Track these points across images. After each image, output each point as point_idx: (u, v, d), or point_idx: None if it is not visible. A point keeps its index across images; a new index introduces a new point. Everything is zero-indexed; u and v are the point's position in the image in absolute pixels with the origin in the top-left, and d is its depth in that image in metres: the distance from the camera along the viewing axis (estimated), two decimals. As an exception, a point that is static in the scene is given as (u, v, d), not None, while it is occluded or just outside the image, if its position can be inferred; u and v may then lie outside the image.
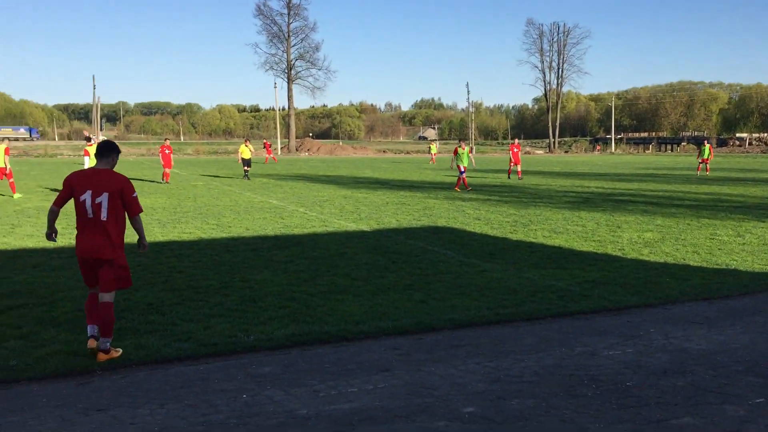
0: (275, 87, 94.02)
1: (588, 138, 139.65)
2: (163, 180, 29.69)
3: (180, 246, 12.38)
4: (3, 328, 6.93)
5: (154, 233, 13.97)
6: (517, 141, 34.90)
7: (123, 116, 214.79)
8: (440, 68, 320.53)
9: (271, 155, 57.51)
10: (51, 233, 6.37)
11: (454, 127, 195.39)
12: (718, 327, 7.12)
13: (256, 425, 4.64)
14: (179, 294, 8.54)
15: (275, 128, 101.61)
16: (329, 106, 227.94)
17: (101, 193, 6.07)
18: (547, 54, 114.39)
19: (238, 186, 28.20)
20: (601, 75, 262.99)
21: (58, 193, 6.29)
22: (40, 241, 12.73)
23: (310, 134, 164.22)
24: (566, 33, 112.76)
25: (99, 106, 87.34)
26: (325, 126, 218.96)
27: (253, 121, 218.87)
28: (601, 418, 4.75)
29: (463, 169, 25.78)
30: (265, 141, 65.84)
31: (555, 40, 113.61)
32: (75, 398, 5.15)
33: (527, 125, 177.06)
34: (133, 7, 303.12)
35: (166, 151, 29.62)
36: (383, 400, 5.11)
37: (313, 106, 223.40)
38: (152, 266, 10.38)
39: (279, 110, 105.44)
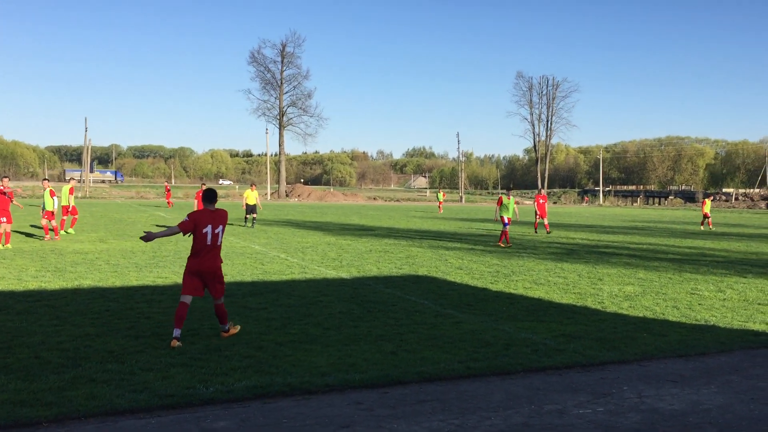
0: (267, 133, 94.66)
1: (577, 189, 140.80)
2: None
3: (153, 291, 12.15)
4: (-48, 375, 6.66)
5: (129, 277, 13.74)
6: (543, 191, 32.15)
7: (115, 159, 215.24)
8: (432, 117, 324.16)
9: (169, 200, 52.70)
10: (150, 237, 8.16)
11: (444, 176, 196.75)
12: (693, 386, 6.93)
13: (200, 485, 4.39)
14: (143, 341, 8.29)
15: (266, 173, 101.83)
16: (321, 153, 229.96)
17: (218, 225, 8.49)
18: (537, 106, 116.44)
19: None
20: (590, 128, 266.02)
21: (183, 221, 8.31)
22: (9, 284, 12.47)
23: (302, 180, 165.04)
24: (555, 86, 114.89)
25: (90, 148, 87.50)
26: (316, 172, 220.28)
27: (245, 166, 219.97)
28: (563, 482, 4.53)
29: (507, 221, 23.14)
30: (166, 183, 60.42)
31: (544, 92, 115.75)
32: (14, 452, 4.89)
33: (517, 176, 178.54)
34: (128, 51, 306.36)
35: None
36: (338, 459, 4.87)
37: (305, 153, 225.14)
38: (120, 312, 10.13)
39: (270, 156, 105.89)
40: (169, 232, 8.32)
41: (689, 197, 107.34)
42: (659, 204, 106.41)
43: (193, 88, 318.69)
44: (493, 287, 13.53)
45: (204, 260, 8.39)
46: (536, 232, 30.55)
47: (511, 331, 9.37)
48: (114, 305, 10.63)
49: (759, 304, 12.04)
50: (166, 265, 15.95)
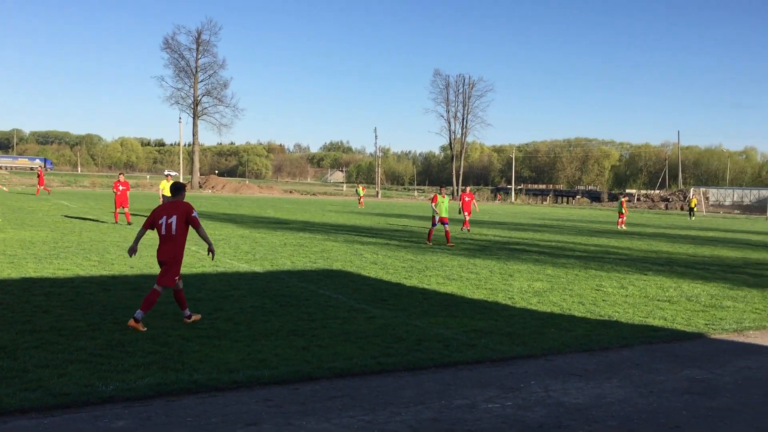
0: (180, 122, 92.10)
1: (490, 187, 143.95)
2: (115, 221, 26.03)
3: (52, 283, 11.54)
4: None
5: (27, 269, 13.02)
6: (468, 189, 32.03)
7: (16, 144, 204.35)
8: (349, 112, 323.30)
9: (43, 186, 49.87)
10: (134, 248, 9.05)
11: (362, 171, 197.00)
12: (596, 380, 7.14)
13: (95, 489, 4.15)
14: (39, 336, 7.84)
15: (179, 164, 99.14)
16: (237, 144, 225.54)
17: (171, 216, 8.81)
18: (453, 104, 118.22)
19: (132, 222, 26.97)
20: (504, 127, 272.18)
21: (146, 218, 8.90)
22: None
23: (216, 171, 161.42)
24: (471, 85, 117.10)
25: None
26: (231, 164, 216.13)
27: (157, 156, 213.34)
28: (471, 477, 4.55)
29: (437, 221, 22.28)
30: (39, 168, 56.68)
31: (460, 91, 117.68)
32: None
33: (433, 172, 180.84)
34: (32, 31, 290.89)
35: (120, 188, 26.13)
36: (245, 458, 4.72)
37: (220, 143, 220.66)
38: (16, 305, 9.56)
39: (183, 146, 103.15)
40: (139, 234, 8.98)
41: (595, 197, 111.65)
42: (567, 203, 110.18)
43: (102, 72, 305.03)
44: (407, 282, 13.59)
45: (160, 250, 8.90)
46: (469, 230, 30.21)
47: (423, 327, 9.42)
48: (9, 298, 10.03)
49: (658, 300, 12.59)
50: (68, 256, 15.21)
